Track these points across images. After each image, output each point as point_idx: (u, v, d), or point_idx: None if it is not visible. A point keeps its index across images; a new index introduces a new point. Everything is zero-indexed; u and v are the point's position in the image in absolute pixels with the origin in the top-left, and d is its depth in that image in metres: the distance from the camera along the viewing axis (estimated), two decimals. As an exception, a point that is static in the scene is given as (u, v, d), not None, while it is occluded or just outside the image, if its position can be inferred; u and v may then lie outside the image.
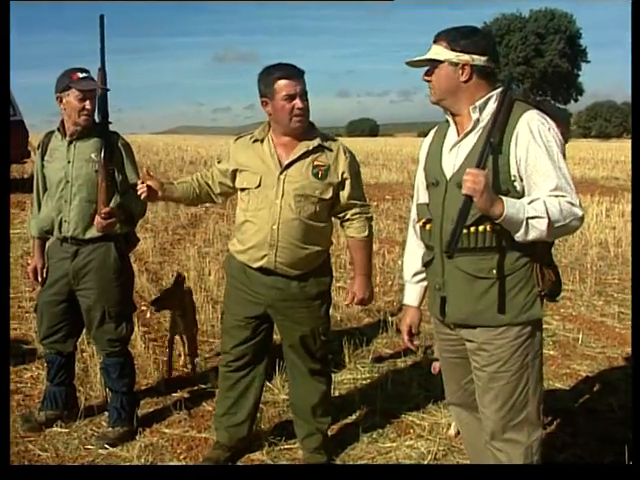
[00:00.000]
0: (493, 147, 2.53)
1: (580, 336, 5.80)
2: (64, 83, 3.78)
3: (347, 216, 3.54)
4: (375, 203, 13.62)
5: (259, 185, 3.40)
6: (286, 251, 3.39)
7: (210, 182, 3.68)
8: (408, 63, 2.74)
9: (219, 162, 3.70)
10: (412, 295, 3.05)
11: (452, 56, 2.63)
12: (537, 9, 74.82)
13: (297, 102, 3.32)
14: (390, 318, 6.14)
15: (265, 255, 3.41)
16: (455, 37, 2.65)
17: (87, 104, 3.76)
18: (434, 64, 2.68)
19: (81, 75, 3.76)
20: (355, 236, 3.57)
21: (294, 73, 3.35)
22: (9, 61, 3.29)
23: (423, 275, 2.96)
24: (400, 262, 8.49)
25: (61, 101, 3.82)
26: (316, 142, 3.43)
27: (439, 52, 2.66)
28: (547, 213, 2.46)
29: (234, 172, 3.53)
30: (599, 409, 4.28)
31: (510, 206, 2.45)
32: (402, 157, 27.40)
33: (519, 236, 2.50)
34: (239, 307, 3.59)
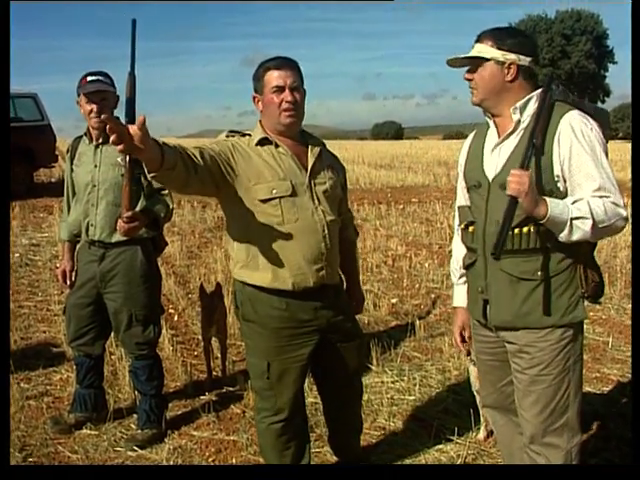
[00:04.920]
0: (536, 147, 2.51)
1: (610, 340, 5.73)
2: (77, 88, 3.83)
3: (345, 219, 3.31)
4: (402, 206, 13.59)
5: (292, 192, 2.94)
6: (334, 258, 3.11)
7: (197, 159, 2.71)
8: (450, 61, 2.70)
9: (212, 148, 2.88)
10: (461, 296, 3.02)
11: (498, 55, 2.60)
12: (563, 10, 74.15)
13: (286, 94, 2.92)
14: (418, 321, 6.10)
15: (321, 268, 3.00)
16: (502, 36, 2.62)
17: (94, 107, 3.79)
18: (478, 62, 2.63)
19: (89, 79, 3.81)
20: (354, 240, 3.50)
21: (284, 63, 2.97)
22: (9, 67, 3.33)
23: None
24: (427, 265, 8.47)
25: (80, 106, 3.87)
26: (319, 139, 3.18)
27: (484, 50, 2.61)
28: (591, 214, 2.44)
29: (237, 178, 2.90)
30: (630, 413, 4.21)
31: (554, 207, 2.43)
32: (428, 160, 27.27)
33: (563, 237, 2.48)
34: (291, 351, 3.09)
